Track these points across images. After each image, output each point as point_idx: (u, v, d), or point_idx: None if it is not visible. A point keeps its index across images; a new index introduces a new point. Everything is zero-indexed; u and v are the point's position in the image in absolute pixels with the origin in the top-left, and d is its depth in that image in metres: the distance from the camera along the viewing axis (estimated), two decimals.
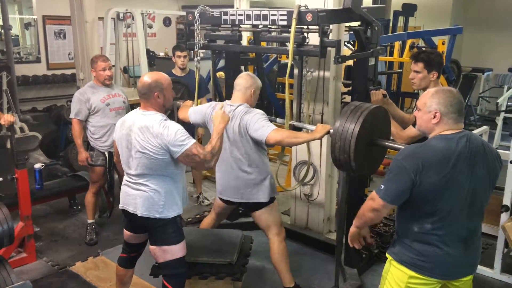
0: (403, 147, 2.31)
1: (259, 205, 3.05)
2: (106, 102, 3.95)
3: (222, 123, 2.66)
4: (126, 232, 2.83)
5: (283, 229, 3.15)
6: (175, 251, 2.62)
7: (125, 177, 2.71)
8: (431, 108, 2.02)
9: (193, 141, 2.48)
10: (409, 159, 1.97)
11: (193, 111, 3.22)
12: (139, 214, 2.59)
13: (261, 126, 2.81)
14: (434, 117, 2.01)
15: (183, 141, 2.45)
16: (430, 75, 3.01)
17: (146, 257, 2.95)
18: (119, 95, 4.06)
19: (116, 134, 2.70)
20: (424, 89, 3.07)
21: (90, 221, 4.16)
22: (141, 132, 2.50)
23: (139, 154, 2.51)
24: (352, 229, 2.30)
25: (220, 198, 3.21)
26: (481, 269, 3.56)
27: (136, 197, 2.59)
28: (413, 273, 2.06)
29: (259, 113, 2.90)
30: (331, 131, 2.62)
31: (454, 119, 2.00)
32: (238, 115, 2.92)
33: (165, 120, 2.54)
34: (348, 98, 4.26)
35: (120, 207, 2.73)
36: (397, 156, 2.04)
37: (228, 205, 3.24)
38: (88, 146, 4.07)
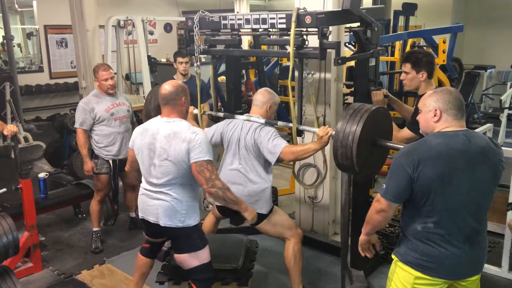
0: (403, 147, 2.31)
1: (259, 217, 2.98)
2: (110, 111, 3.97)
3: (246, 210, 2.65)
4: (146, 236, 2.91)
5: (298, 230, 3.13)
6: (201, 256, 2.64)
7: (144, 186, 2.70)
8: (430, 107, 2.04)
9: (211, 158, 2.52)
10: (405, 156, 1.99)
11: (210, 132, 3.23)
12: (162, 225, 2.60)
13: (273, 145, 2.89)
14: (435, 115, 2.03)
15: (206, 152, 2.49)
16: (419, 75, 3.01)
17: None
18: (123, 103, 4.08)
19: (136, 142, 2.69)
20: (416, 90, 3.06)
21: (95, 229, 4.17)
22: (167, 140, 2.51)
23: (166, 162, 2.52)
24: (362, 237, 2.30)
25: (218, 207, 3.18)
26: (489, 268, 3.53)
27: (158, 207, 2.60)
28: (419, 274, 2.05)
29: (271, 131, 2.98)
30: (333, 133, 2.62)
31: (454, 115, 2.01)
32: (252, 128, 3.02)
33: (193, 126, 2.59)
34: (350, 99, 4.24)
35: (140, 217, 2.76)
36: (396, 154, 2.06)
37: (224, 215, 3.23)
38: (92, 155, 4.08)
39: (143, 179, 2.72)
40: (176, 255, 2.67)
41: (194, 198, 2.65)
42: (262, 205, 3.02)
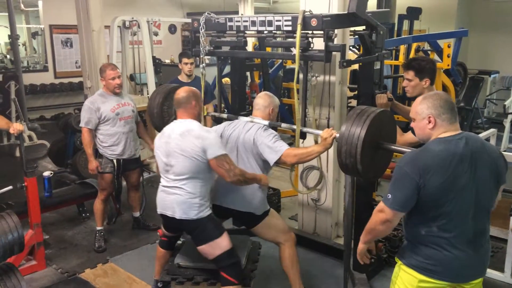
0: (408, 150, 2.32)
1: (254, 219, 3.03)
2: (116, 111, 4.00)
3: (262, 180, 2.89)
4: (164, 231, 3.08)
5: (291, 234, 3.13)
6: (221, 244, 2.77)
7: (162, 183, 2.88)
8: (423, 114, 2.05)
9: (226, 152, 2.76)
10: (410, 165, 1.99)
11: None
12: (177, 217, 2.77)
13: (275, 146, 2.90)
14: (429, 122, 2.03)
15: (221, 147, 2.74)
16: (423, 82, 3.02)
17: None
18: (128, 104, 4.11)
19: (156, 143, 2.93)
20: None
21: (98, 228, 4.18)
22: (182, 137, 2.73)
23: (180, 157, 2.71)
24: (360, 246, 2.29)
25: (213, 206, 3.19)
26: (491, 273, 3.53)
27: (173, 202, 2.78)
28: (423, 277, 2.06)
29: (273, 133, 2.99)
30: (337, 135, 2.63)
31: (448, 119, 2.02)
32: (254, 128, 3.02)
33: (203, 126, 2.86)
34: (354, 103, 4.25)
35: (158, 212, 2.91)
36: (398, 163, 2.05)
37: (218, 217, 3.25)
38: (96, 154, 4.10)
39: (161, 177, 2.89)
40: (198, 248, 2.81)
41: (206, 191, 2.81)
42: (256, 206, 3.01)
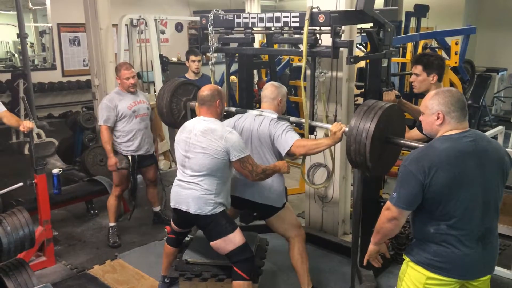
0: (416, 144, 2.31)
1: (271, 210, 3.06)
2: (132, 109, 4.06)
3: (281, 168, 2.93)
4: (174, 226, 3.10)
5: (302, 230, 3.15)
6: (234, 239, 2.79)
7: (178, 177, 2.91)
8: (433, 110, 2.04)
9: (248, 152, 2.81)
10: (415, 163, 1.99)
11: None
12: (191, 212, 2.80)
13: (286, 137, 2.93)
14: (438, 118, 2.03)
15: (244, 149, 2.77)
16: (430, 78, 3.00)
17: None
18: (143, 101, 4.18)
19: (176, 138, 2.94)
20: (425, 92, 3.05)
21: (112, 224, 4.21)
22: (203, 135, 2.76)
23: (200, 155, 2.75)
24: (371, 247, 2.29)
25: (232, 197, 3.22)
26: (499, 270, 3.51)
27: (188, 196, 2.81)
28: (431, 274, 2.06)
29: (285, 124, 3.02)
30: (346, 129, 2.64)
31: (458, 118, 2.01)
32: (266, 121, 3.04)
33: (226, 126, 2.87)
34: (361, 100, 4.25)
35: (172, 207, 2.96)
36: (403, 161, 2.05)
37: (236, 208, 3.27)
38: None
39: (177, 171, 2.91)
40: (211, 243, 2.82)
41: (223, 189, 2.83)
42: (276, 199, 3.04)
